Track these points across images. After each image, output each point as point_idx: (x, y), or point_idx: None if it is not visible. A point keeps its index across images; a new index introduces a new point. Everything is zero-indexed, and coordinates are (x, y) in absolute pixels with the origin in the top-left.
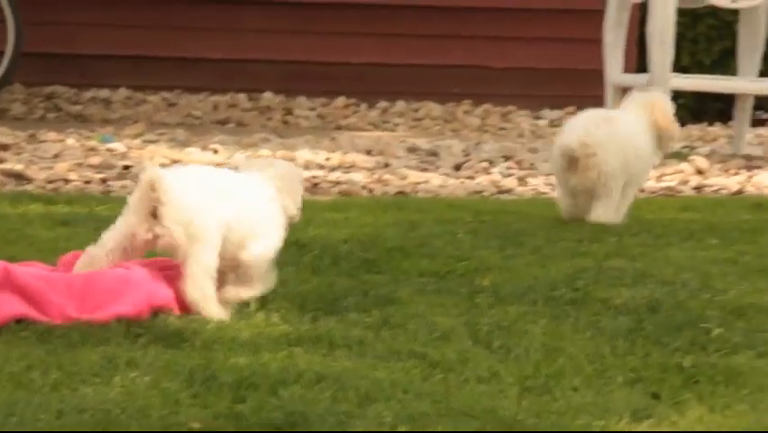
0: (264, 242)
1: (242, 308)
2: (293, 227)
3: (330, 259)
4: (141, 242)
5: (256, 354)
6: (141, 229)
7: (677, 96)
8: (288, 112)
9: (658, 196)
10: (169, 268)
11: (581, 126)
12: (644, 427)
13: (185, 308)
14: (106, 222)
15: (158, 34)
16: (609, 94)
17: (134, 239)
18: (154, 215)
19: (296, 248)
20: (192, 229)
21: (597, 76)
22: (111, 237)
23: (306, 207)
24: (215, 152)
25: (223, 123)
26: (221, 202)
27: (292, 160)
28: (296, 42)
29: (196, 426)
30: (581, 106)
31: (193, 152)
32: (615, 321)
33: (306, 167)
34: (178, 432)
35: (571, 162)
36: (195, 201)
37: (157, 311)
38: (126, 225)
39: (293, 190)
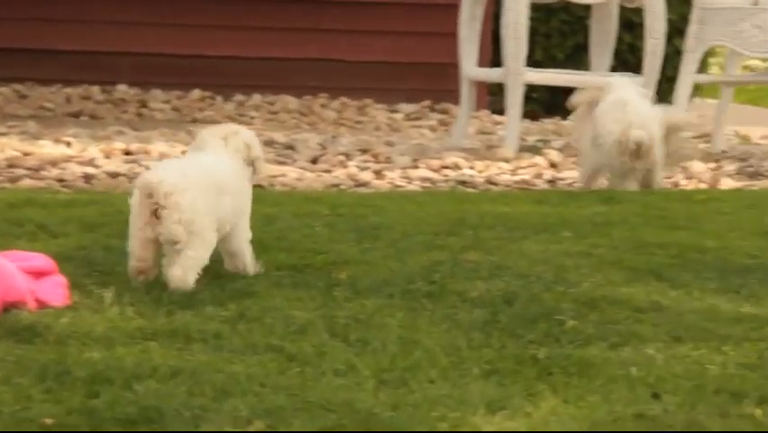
0: (246, 224)
1: (96, 302)
2: None
3: None
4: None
5: (110, 349)
6: (146, 230)
7: (531, 90)
8: (143, 104)
9: (513, 189)
10: (24, 259)
11: (641, 116)
12: (498, 418)
13: (40, 302)
14: None
15: (9, 26)
16: (465, 87)
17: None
18: (156, 215)
19: None
20: (193, 228)
21: (453, 70)
22: (135, 245)
23: None
24: (68, 144)
25: (76, 115)
26: (215, 198)
27: (147, 153)
28: (150, 34)
29: (48, 421)
30: (437, 100)
31: (45, 144)
32: (471, 314)
33: (162, 160)
34: (30, 431)
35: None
36: (193, 201)
37: (10, 306)
38: (135, 227)
39: (261, 153)
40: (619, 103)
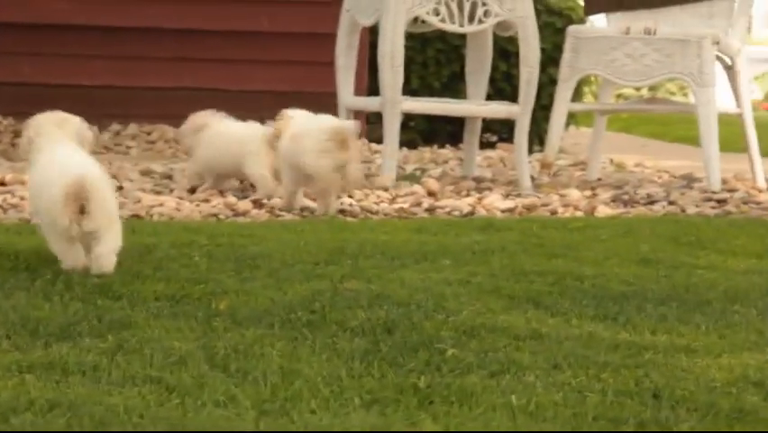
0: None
1: None
2: (24, 252)
3: (63, 284)
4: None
5: None
6: (73, 228)
7: (408, 118)
8: (18, 135)
9: (392, 218)
10: None
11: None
12: None
13: None
14: None
15: None
16: (343, 116)
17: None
18: (83, 211)
19: (27, 273)
20: (112, 217)
21: (331, 99)
22: (66, 245)
23: (36, 231)
24: None
25: None
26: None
27: (22, 184)
28: (26, 64)
29: None
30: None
31: None
32: (351, 343)
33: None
34: None
35: None
36: (111, 193)
37: None
38: (61, 227)
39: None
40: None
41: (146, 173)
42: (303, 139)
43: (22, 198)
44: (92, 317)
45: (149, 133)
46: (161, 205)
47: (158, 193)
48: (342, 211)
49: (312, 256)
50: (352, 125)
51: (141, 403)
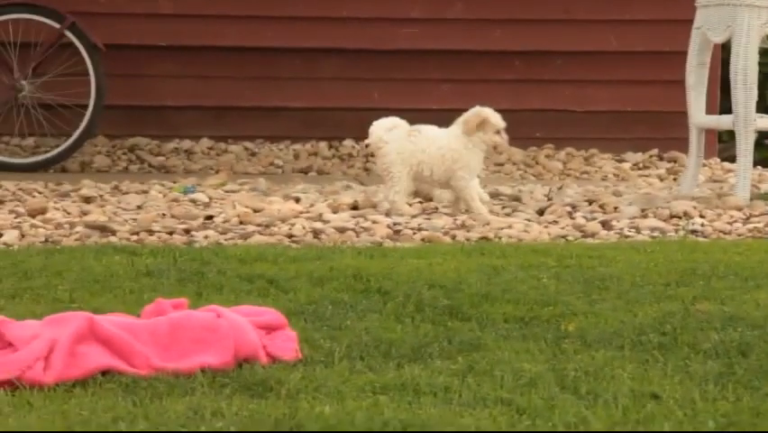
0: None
1: (326, 356)
2: (375, 275)
3: (414, 306)
4: None
5: (341, 403)
6: None
7: (763, 136)
8: (370, 159)
9: (745, 238)
10: (255, 314)
11: None
12: None
13: (272, 357)
14: (190, 273)
15: (238, 84)
16: (694, 135)
17: None
18: None
19: (379, 295)
20: None
21: (680, 118)
22: None
23: (389, 253)
24: (297, 200)
25: (305, 171)
26: None
27: (374, 207)
28: (375, 89)
29: None
30: (665, 149)
31: (275, 200)
32: (704, 365)
33: (388, 214)
34: None
35: None
36: None
37: (243, 361)
38: None
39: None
40: None
41: (494, 195)
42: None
43: (374, 222)
44: (442, 339)
45: (497, 155)
46: (510, 227)
47: (506, 215)
48: (693, 231)
49: (662, 277)
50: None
51: (493, 425)
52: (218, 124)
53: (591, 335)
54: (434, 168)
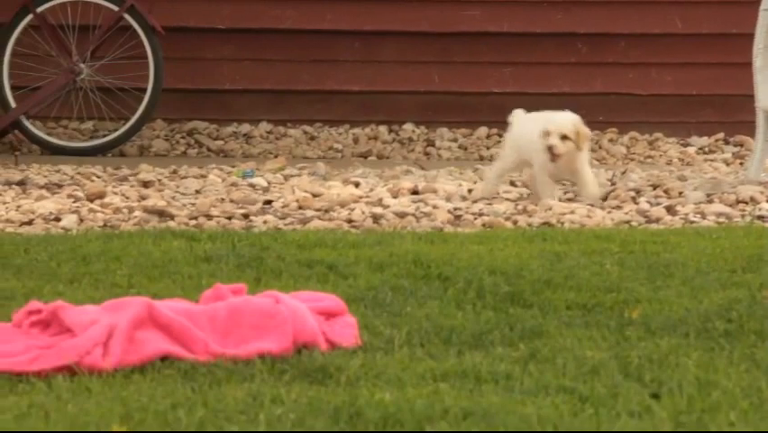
0: None
1: (386, 343)
2: (436, 261)
3: (474, 292)
4: None
5: (401, 390)
6: None
7: None
8: (430, 143)
9: None
10: (315, 300)
11: None
12: None
13: (331, 343)
14: (248, 258)
15: (297, 68)
16: (761, 119)
17: None
18: None
19: (439, 282)
20: None
21: (747, 101)
22: None
23: (450, 239)
24: (357, 185)
25: (364, 155)
26: None
27: (434, 192)
28: (435, 73)
29: None
30: (731, 133)
31: (334, 185)
32: None
33: (449, 199)
34: None
35: None
36: None
37: (303, 347)
38: None
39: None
40: None
41: (557, 180)
42: None
43: (434, 207)
44: (503, 326)
45: None
46: (572, 212)
47: (569, 200)
48: (760, 217)
49: (728, 264)
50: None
51: (555, 413)
52: (277, 108)
53: (656, 322)
54: None
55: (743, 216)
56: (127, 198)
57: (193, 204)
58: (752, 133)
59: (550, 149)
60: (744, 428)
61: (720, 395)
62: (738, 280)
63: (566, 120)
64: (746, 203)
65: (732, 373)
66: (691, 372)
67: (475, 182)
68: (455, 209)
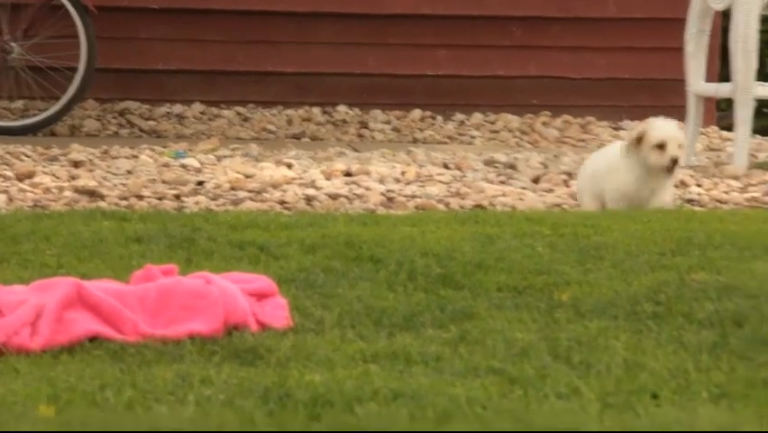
0: None
1: (317, 324)
2: (368, 243)
3: (406, 274)
4: None
5: (331, 371)
6: None
7: (762, 105)
8: (364, 125)
9: (742, 207)
10: (246, 281)
11: None
12: None
13: (262, 324)
14: (180, 239)
15: (231, 48)
16: (692, 103)
17: None
18: None
19: (371, 263)
20: None
21: (678, 85)
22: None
23: (382, 221)
24: (289, 166)
25: (297, 137)
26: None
27: (367, 174)
28: (369, 55)
29: None
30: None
31: (267, 166)
32: (698, 336)
33: (382, 181)
34: None
35: None
36: None
37: (233, 328)
38: None
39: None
40: None
41: (489, 163)
42: None
43: (367, 189)
44: (434, 308)
45: (493, 123)
46: (504, 195)
47: (501, 183)
48: (689, 201)
49: (658, 247)
50: None
51: (484, 394)
52: (210, 89)
53: (585, 304)
54: None
55: (673, 199)
56: (57, 177)
57: (124, 184)
58: (683, 117)
59: (674, 161)
60: (671, 408)
61: (648, 377)
62: (667, 263)
63: (677, 127)
64: (676, 186)
65: (660, 354)
66: (620, 354)
67: (408, 165)
68: (388, 191)
